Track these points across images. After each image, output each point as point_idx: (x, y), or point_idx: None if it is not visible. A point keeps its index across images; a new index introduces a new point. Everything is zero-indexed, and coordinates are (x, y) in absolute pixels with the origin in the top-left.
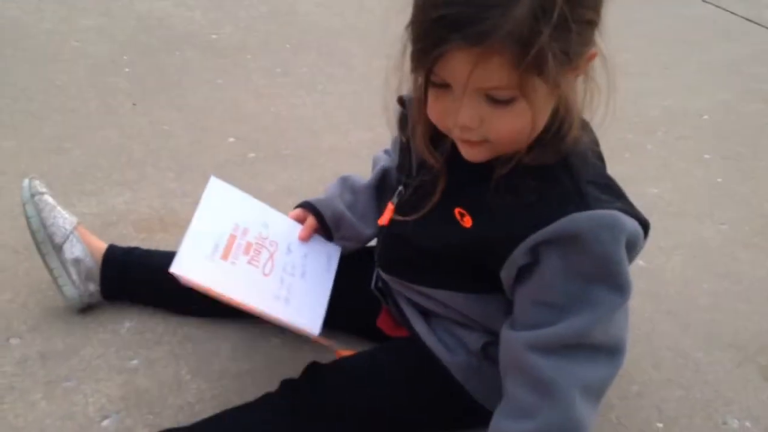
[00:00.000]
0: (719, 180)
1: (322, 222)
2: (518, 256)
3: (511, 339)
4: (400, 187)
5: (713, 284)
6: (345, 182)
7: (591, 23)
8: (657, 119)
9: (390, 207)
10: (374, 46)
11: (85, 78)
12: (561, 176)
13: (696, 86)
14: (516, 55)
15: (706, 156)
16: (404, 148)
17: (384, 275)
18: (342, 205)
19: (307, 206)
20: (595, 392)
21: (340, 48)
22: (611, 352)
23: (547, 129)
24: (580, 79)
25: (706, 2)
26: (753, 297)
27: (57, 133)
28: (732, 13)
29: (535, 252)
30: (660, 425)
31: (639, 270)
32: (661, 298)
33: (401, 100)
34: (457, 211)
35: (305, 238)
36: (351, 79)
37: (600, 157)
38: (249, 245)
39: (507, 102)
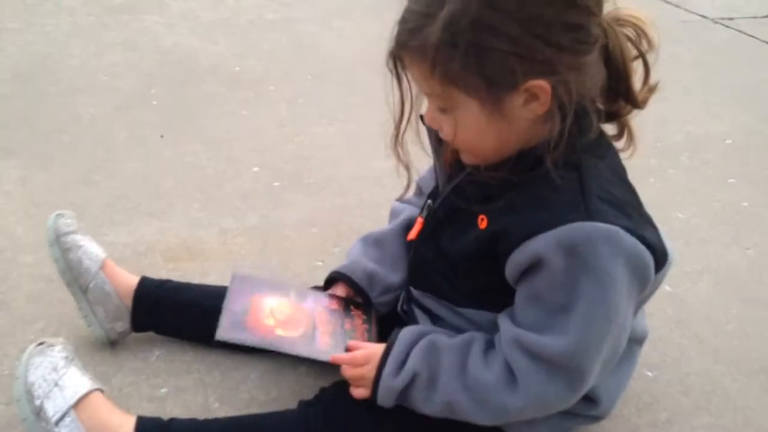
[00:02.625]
0: (745, 204)
1: (354, 286)
2: (519, 255)
3: (506, 328)
4: (429, 201)
5: (740, 309)
6: (366, 240)
7: (512, 54)
8: (680, 144)
9: (419, 221)
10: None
11: (114, 111)
12: (572, 187)
13: (718, 110)
14: (427, 67)
15: (731, 180)
16: (434, 166)
17: (414, 291)
18: (370, 263)
19: (336, 275)
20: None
21: (360, 78)
22: (576, 380)
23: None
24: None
25: (727, 27)
26: None
27: (87, 165)
28: (752, 36)
29: (535, 254)
30: None
31: (665, 295)
32: (689, 323)
33: (422, 117)
34: (480, 218)
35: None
36: (371, 108)
37: (621, 179)
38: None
39: (445, 111)
